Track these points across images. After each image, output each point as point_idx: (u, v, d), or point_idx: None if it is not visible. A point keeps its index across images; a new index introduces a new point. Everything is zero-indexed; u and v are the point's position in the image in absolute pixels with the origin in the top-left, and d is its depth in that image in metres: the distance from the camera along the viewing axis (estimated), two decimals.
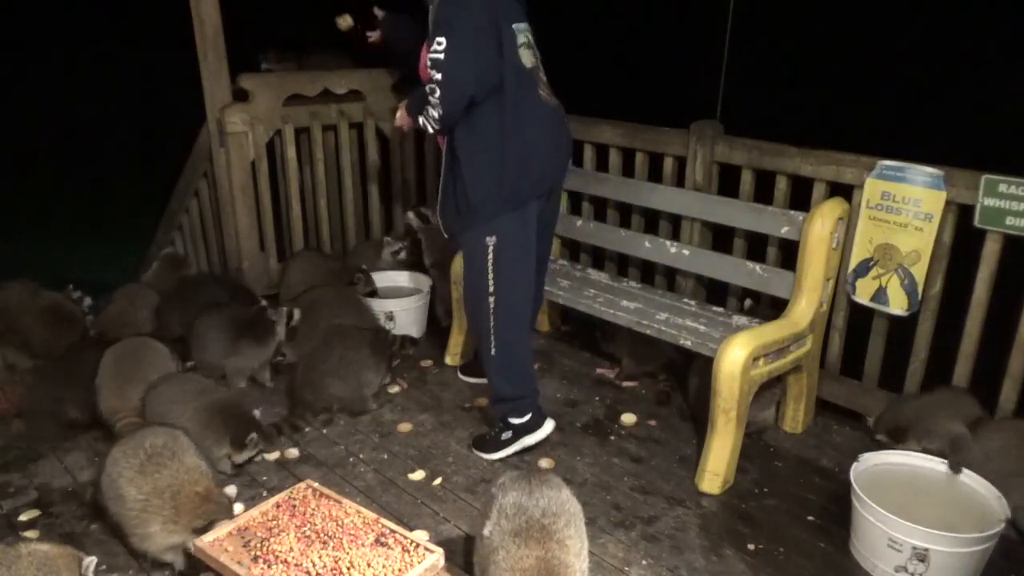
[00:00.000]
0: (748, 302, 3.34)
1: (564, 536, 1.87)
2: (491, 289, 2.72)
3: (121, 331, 3.43)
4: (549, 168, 2.75)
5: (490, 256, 2.68)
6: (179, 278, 4.10)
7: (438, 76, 2.46)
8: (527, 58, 2.61)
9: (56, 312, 3.68)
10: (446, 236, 2.85)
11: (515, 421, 2.86)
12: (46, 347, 3.52)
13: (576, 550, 1.89)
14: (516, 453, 2.88)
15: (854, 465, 2.42)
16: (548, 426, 2.90)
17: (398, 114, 2.80)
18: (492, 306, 2.74)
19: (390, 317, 3.79)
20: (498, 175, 2.59)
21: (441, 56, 2.44)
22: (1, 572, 1.86)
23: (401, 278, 4.18)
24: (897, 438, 2.75)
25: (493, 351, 2.80)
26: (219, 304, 3.55)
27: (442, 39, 2.44)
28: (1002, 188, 2.57)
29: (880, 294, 2.91)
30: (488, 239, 2.67)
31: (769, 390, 2.92)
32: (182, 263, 4.41)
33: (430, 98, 2.50)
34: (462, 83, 2.47)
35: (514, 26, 2.56)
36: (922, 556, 2.16)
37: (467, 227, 2.71)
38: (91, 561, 1.99)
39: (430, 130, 2.62)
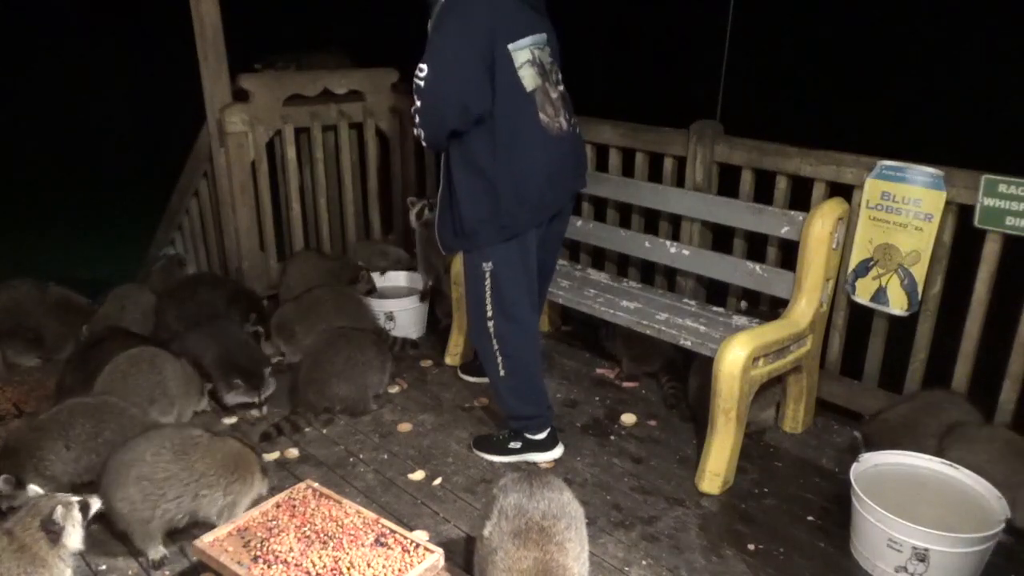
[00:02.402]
0: (743, 303, 3.34)
1: (563, 539, 1.87)
2: (490, 313, 2.68)
3: (116, 340, 3.39)
4: (550, 196, 2.64)
5: (488, 282, 2.64)
6: (177, 278, 4.11)
7: (418, 103, 2.41)
8: (530, 80, 2.49)
9: (66, 305, 3.71)
10: (444, 253, 2.81)
11: (531, 437, 2.85)
12: (59, 341, 3.55)
13: (575, 553, 1.89)
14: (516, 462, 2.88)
15: (854, 465, 2.42)
16: (558, 451, 2.90)
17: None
18: (492, 329, 2.70)
19: (390, 317, 3.79)
20: (492, 204, 2.52)
21: (422, 84, 2.38)
22: None
23: (401, 278, 4.18)
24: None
25: (502, 372, 2.75)
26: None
27: (424, 66, 2.37)
28: (1002, 188, 2.57)
29: (880, 294, 2.91)
30: (485, 265, 2.62)
31: (769, 390, 2.92)
32: (181, 265, 4.43)
33: (414, 119, 2.46)
34: (440, 115, 2.41)
35: (512, 46, 2.43)
36: (922, 556, 2.16)
37: (464, 248, 2.68)
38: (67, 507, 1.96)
39: (426, 147, 2.59)
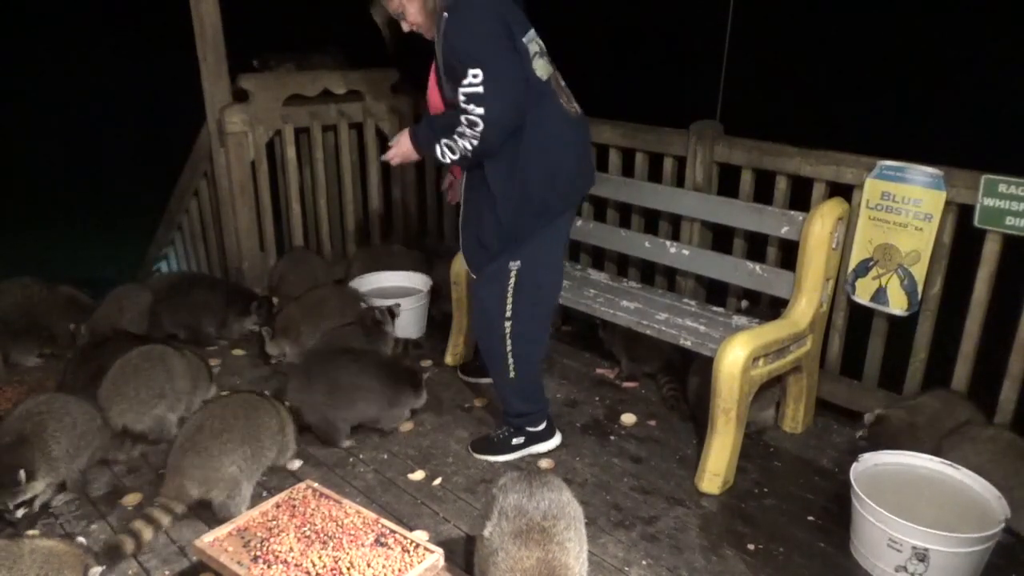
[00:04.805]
0: (744, 303, 3.34)
1: (564, 539, 1.88)
2: (508, 314, 2.65)
3: (119, 340, 3.39)
4: (578, 181, 2.65)
5: (512, 281, 2.60)
6: (173, 278, 4.12)
7: (479, 111, 2.31)
8: (542, 69, 2.49)
9: (74, 303, 3.74)
10: (474, 276, 2.69)
11: (531, 429, 2.88)
12: (69, 339, 3.56)
13: (575, 552, 1.90)
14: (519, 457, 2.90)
15: (854, 465, 2.42)
16: (557, 438, 2.93)
17: (395, 151, 2.58)
18: (508, 329, 2.67)
19: None
20: (525, 196, 2.47)
21: (480, 89, 2.29)
22: (2, 573, 1.86)
23: (401, 278, 4.18)
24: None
25: (512, 373, 2.74)
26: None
27: (477, 71, 2.28)
28: (1002, 188, 2.57)
29: (880, 294, 2.91)
30: (512, 264, 2.58)
31: (769, 390, 2.93)
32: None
33: (465, 130, 2.35)
34: (507, 115, 2.34)
35: (524, 39, 2.45)
36: (922, 556, 2.16)
37: (497, 256, 2.59)
38: (98, 570, 2.00)
39: (448, 160, 2.44)
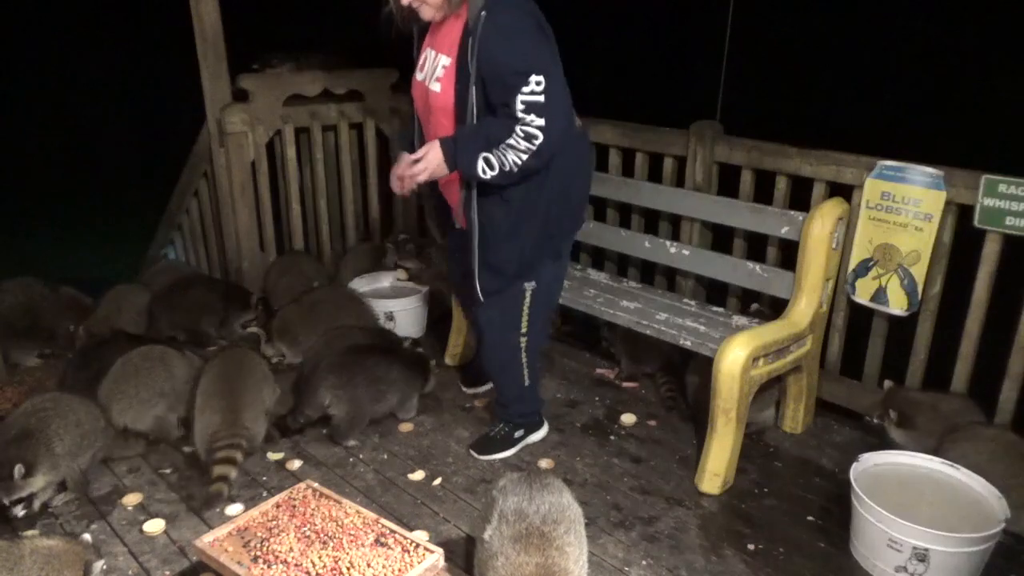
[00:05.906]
0: (754, 306, 3.29)
1: (564, 543, 1.87)
2: (524, 329, 2.67)
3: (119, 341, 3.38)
4: (583, 200, 2.69)
5: (527, 301, 2.61)
6: (170, 278, 4.11)
7: (540, 122, 2.14)
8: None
9: (75, 304, 3.75)
10: (482, 300, 2.59)
11: (529, 421, 2.95)
12: (70, 340, 3.58)
13: (575, 556, 1.89)
14: (518, 450, 2.93)
15: (854, 465, 2.42)
16: (546, 427, 3.00)
17: (422, 165, 2.26)
18: (524, 344, 2.70)
19: (390, 317, 3.79)
20: (547, 217, 2.43)
21: (542, 99, 2.12)
22: (2, 575, 1.87)
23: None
24: (904, 423, 2.74)
25: (527, 381, 2.80)
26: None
27: (540, 78, 2.11)
28: (1002, 188, 2.57)
29: (880, 294, 2.91)
30: (527, 285, 2.58)
31: (769, 390, 2.92)
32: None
33: (519, 142, 2.18)
34: (563, 128, 2.21)
35: None
36: (922, 556, 2.16)
37: (514, 280, 2.56)
38: (100, 564, 2.00)
39: (487, 176, 2.22)
